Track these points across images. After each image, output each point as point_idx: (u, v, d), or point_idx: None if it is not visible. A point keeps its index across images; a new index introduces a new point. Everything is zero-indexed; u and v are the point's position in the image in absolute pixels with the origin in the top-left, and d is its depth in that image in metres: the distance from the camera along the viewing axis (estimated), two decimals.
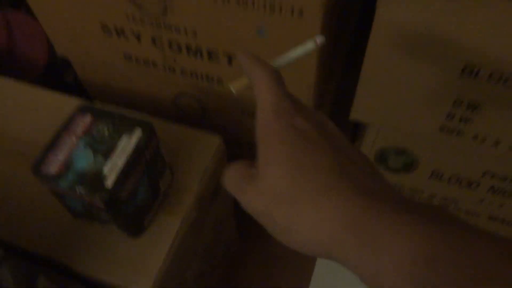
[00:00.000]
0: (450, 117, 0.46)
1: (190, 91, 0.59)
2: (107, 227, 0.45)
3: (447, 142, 0.49)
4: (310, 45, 0.28)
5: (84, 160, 0.39)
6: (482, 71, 0.40)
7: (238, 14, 0.43)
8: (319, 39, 0.27)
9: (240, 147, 0.67)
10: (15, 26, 0.79)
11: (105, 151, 0.40)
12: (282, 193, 0.21)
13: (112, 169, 0.38)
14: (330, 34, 0.47)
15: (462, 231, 0.18)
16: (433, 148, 0.53)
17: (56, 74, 0.82)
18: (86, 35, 0.56)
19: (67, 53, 0.63)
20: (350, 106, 0.51)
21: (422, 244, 0.17)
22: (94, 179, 0.38)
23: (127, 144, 0.40)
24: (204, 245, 0.58)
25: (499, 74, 0.39)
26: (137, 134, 0.40)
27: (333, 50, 0.55)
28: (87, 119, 0.42)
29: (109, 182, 0.38)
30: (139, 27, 0.50)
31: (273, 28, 0.44)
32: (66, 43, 0.60)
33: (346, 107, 0.52)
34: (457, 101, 0.44)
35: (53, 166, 0.39)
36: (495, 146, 0.47)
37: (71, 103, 0.56)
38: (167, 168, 0.47)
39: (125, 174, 0.39)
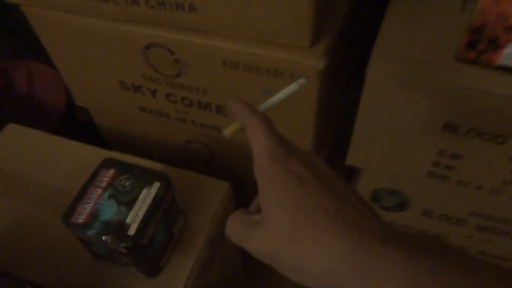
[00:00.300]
0: (436, 164, 0.51)
1: (199, 138, 0.64)
2: (126, 269, 0.50)
3: (434, 185, 0.54)
4: (293, 87, 0.30)
5: (109, 211, 0.44)
6: (461, 128, 0.45)
7: (245, 77, 0.49)
8: (302, 81, 0.30)
9: (245, 186, 0.71)
10: (35, 74, 0.85)
11: (127, 202, 0.44)
12: (287, 236, 0.23)
13: (134, 219, 0.43)
14: (327, 91, 0.53)
15: (442, 259, 0.20)
16: (422, 190, 0.58)
17: (71, 116, 0.88)
18: (105, 90, 0.62)
19: (86, 104, 0.68)
20: (346, 149, 0.56)
21: (404, 276, 0.19)
22: (118, 228, 0.43)
23: (147, 196, 0.45)
24: (213, 281, 0.62)
25: (476, 130, 0.45)
26: (155, 187, 0.45)
27: (329, 101, 0.60)
28: (110, 173, 0.47)
29: (132, 231, 0.43)
30: (155, 85, 0.56)
31: (277, 88, 0.49)
32: (86, 96, 0.66)
33: (342, 150, 0.58)
34: (441, 151, 0.49)
35: (81, 216, 0.44)
36: (478, 190, 0.52)
37: (90, 151, 0.61)
38: (180, 213, 0.51)
39: (145, 223, 0.43)
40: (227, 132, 0.30)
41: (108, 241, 0.42)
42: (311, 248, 0.22)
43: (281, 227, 0.23)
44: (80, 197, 0.45)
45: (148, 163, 0.57)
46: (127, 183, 0.46)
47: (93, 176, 0.47)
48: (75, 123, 0.87)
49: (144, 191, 0.45)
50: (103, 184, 0.46)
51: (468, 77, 0.42)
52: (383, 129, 0.49)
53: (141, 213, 0.44)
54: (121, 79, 0.58)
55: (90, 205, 0.44)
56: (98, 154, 0.60)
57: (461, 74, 0.42)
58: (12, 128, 0.66)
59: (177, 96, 0.56)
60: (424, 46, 0.45)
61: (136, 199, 0.45)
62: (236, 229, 0.26)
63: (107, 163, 0.48)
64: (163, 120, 0.63)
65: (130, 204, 0.44)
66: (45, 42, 0.58)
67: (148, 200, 0.45)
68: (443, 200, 0.58)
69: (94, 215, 0.44)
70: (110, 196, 0.45)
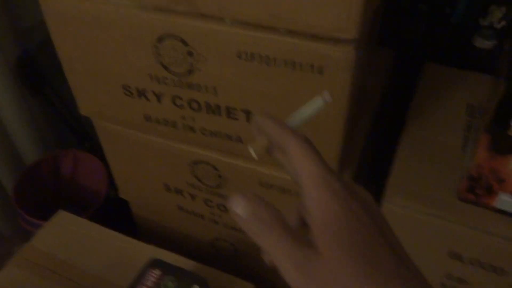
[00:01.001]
0: (444, 286, 0.57)
1: (227, 238, 0.71)
2: None
3: None
4: (319, 101, 0.26)
5: None
6: (464, 257, 0.52)
7: (279, 198, 0.57)
8: (327, 96, 0.26)
9: (265, 284, 0.77)
10: (80, 161, 0.95)
11: None
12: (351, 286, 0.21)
13: None
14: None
15: None
16: None
17: (108, 199, 0.95)
18: (149, 189, 0.70)
19: (128, 198, 0.77)
20: None
21: None
22: None
23: None
24: None
25: (477, 260, 0.51)
26: None
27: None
28: (157, 273, 0.53)
29: None
30: (196, 191, 0.65)
31: None
32: (130, 191, 0.75)
33: None
34: (448, 274, 0.55)
35: None
36: None
37: (128, 242, 0.68)
38: None
39: None
40: (256, 151, 0.25)
41: None
42: None
43: (346, 280, 0.21)
44: None
45: (183, 260, 0.63)
46: (171, 285, 0.52)
47: (141, 275, 0.53)
48: (111, 205, 0.93)
49: None
50: (150, 284, 0.52)
51: (468, 216, 0.50)
52: None
53: None
54: (165, 182, 0.67)
55: None
56: (135, 247, 0.67)
57: (463, 213, 0.50)
58: (61, 215, 0.74)
59: (214, 202, 0.65)
60: (432, 183, 0.53)
61: None
62: (282, 245, 0.22)
63: (153, 263, 0.55)
64: (197, 219, 0.70)
65: None
66: (104, 145, 0.68)
67: None
68: None
69: None
70: None
